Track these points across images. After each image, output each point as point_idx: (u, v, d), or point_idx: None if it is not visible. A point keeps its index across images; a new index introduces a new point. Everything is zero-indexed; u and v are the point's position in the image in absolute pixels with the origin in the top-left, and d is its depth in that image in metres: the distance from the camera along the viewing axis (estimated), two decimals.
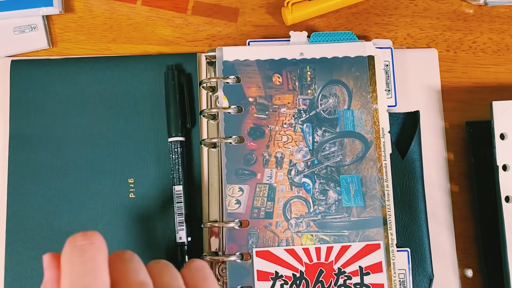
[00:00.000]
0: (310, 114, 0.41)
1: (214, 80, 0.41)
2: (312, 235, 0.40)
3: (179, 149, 0.40)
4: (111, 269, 0.27)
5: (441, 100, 0.44)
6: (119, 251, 0.28)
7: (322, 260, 0.39)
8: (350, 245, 0.39)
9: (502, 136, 0.40)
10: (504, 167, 0.40)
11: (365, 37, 0.45)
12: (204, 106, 0.43)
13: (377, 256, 0.39)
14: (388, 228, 0.40)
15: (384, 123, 0.41)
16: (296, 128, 0.41)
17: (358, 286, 0.39)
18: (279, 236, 0.40)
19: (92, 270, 0.25)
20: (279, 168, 0.40)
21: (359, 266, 0.39)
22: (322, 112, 0.41)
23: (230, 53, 0.42)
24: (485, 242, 0.42)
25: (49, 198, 0.41)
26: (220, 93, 0.41)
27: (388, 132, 0.42)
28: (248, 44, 0.43)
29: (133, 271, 0.27)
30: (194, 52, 0.44)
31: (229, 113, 0.41)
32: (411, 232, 0.41)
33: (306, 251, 0.39)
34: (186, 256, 0.39)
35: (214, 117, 0.42)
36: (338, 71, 0.42)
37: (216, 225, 0.40)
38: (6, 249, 0.40)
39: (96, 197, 0.41)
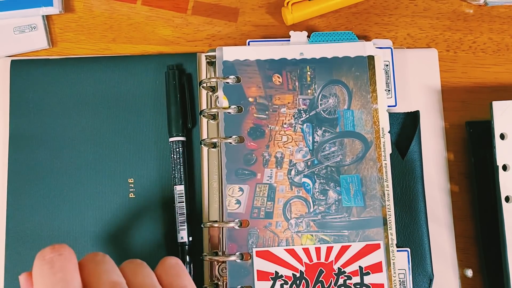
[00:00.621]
0: (310, 114, 0.41)
1: (214, 80, 0.41)
2: (312, 235, 0.40)
3: (180, 149, 0.40)
4: (84, 273, 0.27)
5: (441, 100, 0.44)
6: (90, 254, 0.29)
7: (322, 260, 0.39)
8: (350, 245, 0.39)
9: (502, 136, 0.40)
10: (504, 167, 0.40)
11: (365, 37, 0.45)
12: (204, 106, 0.43)
13: (377, 256, 0.39)
14: (388, 228, 0.40)
15: (384, 123, 0.41)
16: (296, 128, 0.41)
17: (358, 286, 0.39)
18: (279, 236, 0.40)
19: (62, 278, 0.26)
20: (279, 168, 0.40)
21: (359, 266, 0.39)
22: (322, 112, 0.41)
23: (230, 53, 0.42)
24: (485, 242, 0.42)
25: (49, 198, 0.41)
26: (220, 93, 0.41)
27: (388, 132, 0.42)
28: (248, 44, 0.43)
29: (105, 272, 0.28)
30: (194, 52, 0.44)
31: (229, 113, 0.41)
32: (411, 232, 0.41)
33: (306, 251, 0.39)
34: (188, 256, 0.39)
35: (214, 117, 0.42)
36: (338, 71, 0.42)
37: (216, 225, 0.40)
38: (6, 249, 0.40)
39: (96, 197, 0.41)
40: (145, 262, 0.31)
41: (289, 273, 0.39)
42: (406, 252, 0.41)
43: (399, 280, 0.40)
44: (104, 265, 0.28)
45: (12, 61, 0.43)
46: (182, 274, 0.31)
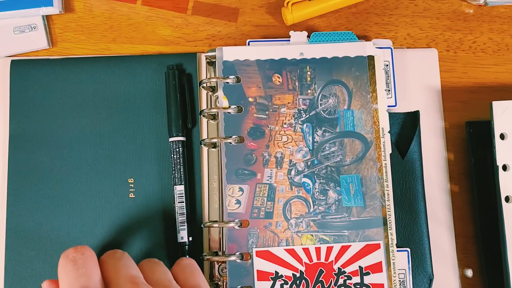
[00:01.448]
0: (310, 114, 0.41)
1: (214, 80, 0.41)
2: (312, 235, 0.40)
3: (180, 149, 0.40)
4: (104, 268, 0.31)
5: (441, 100, 0.44)
6: (110, 251, 0.32)
7: (322, 260, 0.39)
8: (350, 245, 0.39)
9: (502, 136, 0.40)
10: (504, 167, 0.40)
11: (365, 37, 0.45)
12: (204, 106, 0.43)
13: (377, 256, 0.39)
14: (388, 228, 0.40)
15: (384, 123, 0.41)
16: (296, 128, 0.41)
17: (358, 286, 0.39)
18: (279, 236, 0.40)
19: (85, 273, 0.29)
20: (279, 168, 0.40)
21: (359, 266, 0.39)
22: (322, 112, 0.41)
23: (230, 53, 0.42)
24: (485, 242, 0.42)
25: (49, 198, 0.41)
26: (220, 93, 0.41)
27: (388, 132, 0.42)
28: (248, 44, 0.43)
29: (124, 267, 0.31)
30: (194, 52, 0.44)
31: (229, 113, 0.41)
32: (411, 232, 0.41)
33: (306, 251, 0.39)
34: (188, 256, 0.39)
35: (214, 117, 0.42)
36: (338, 71, 0.42)
37: (216, 225, 0.40)
38: (6, 249, 0.40)
39: (96, 197, 0.41)
40: (161, 262, 0.33)
41: (289, 273, 0.39)
42: (406, 252, 0.41)
43: (399, 280, 0.40)
44: (123, 261, 0.31)
45: (12, 61, 0.43)
46: (196, 273, 0.34)
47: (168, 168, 0.41)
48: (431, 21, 0.46)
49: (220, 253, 0.40)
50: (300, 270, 0.39)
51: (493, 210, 0.40)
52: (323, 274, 0.39)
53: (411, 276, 0.40)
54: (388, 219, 0.40)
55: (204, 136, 0.42)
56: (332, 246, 0.39)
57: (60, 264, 0.30)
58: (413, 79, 0.44)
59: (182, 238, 0.40)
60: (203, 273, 0.40)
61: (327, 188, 0.40)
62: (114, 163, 0.41)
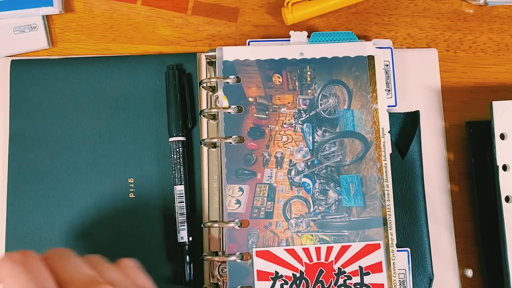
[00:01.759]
0: (310, 114, 0.41)
1: (214, 80, 0.41)
2: (312, 235, 0.40)
3: (180, 149, 0.40)
4: (54, 268, 0.28)
5: (441, 100, 0.44)
6: (56, 249, 0.30)
7: (322, 260, 0.39)
8: (350, 245, 0.39)
9: (502, 136, 0.40)
10: (504, 167, 0.40)
11: (365, 37, 0.45)
12: (204, 106, 0.43)
13: (377, 256, 0.39)
14: (388, 228, 0.40)
15: (384, 123, 0.41)
16: (296, 128, 0.41)
17: (358, 286, 0.39)
18: (279, 236, 0.40)
19: (37, 277, 0.27)
20: (279, 168, 0.40)
21: (359, 266, 0.39)
22: (322, 112, 0.41)
23: (230, 53, 0.42)
24: (485, 242, 0.42)
25: (49, 198, 0.41)
26: (220, 93, 0.41)
27: (388, 132, 0.42)
28: (248, 44, 0.43)
29: (77, 267, 0.29)
30: (194, 52, 0.44)
31: (229, 113, 0.41)
32: (411, 232, 0.41)
33: (306, 251, 0.39)
34: (188, 256, 0.39)
35: (214, 117, 0.42)
36: (338, 71, 0.42)
37: (216, 225, 0.40)
38: (6, 249, 0.40)
39: (96, 197, 0.41)
40: (99, 256, 0.31)
41: (289, 273, 0.39)
42: (406, 252, 0.41)
43: (399, 280, 0.40)
44: (73, 260, 0.29)
45: (12, 61, 0.43)
46: (140, 275, 0.32)
47: (168, 168, 0.41)
48: (431, 21, 0.46)
49: (220, 253, 0.40)
50: (300, 270, 0.39)
51: (493, 210, 0.40)
52: (323, 274, 0.39)
53: (411, 276, 0.40)
54: (388, 219, 0.40)
55: (204, 136, 0.42)
56: (332, 246, 0.39)
57: (6, 268, 0.27)
58: (413, 79, 0.44)
59: (182, 238, 0.39)
60: (203, 273, 0.40)
61: (327, 188, 0.40)
62: (114, 163, 0.41)
